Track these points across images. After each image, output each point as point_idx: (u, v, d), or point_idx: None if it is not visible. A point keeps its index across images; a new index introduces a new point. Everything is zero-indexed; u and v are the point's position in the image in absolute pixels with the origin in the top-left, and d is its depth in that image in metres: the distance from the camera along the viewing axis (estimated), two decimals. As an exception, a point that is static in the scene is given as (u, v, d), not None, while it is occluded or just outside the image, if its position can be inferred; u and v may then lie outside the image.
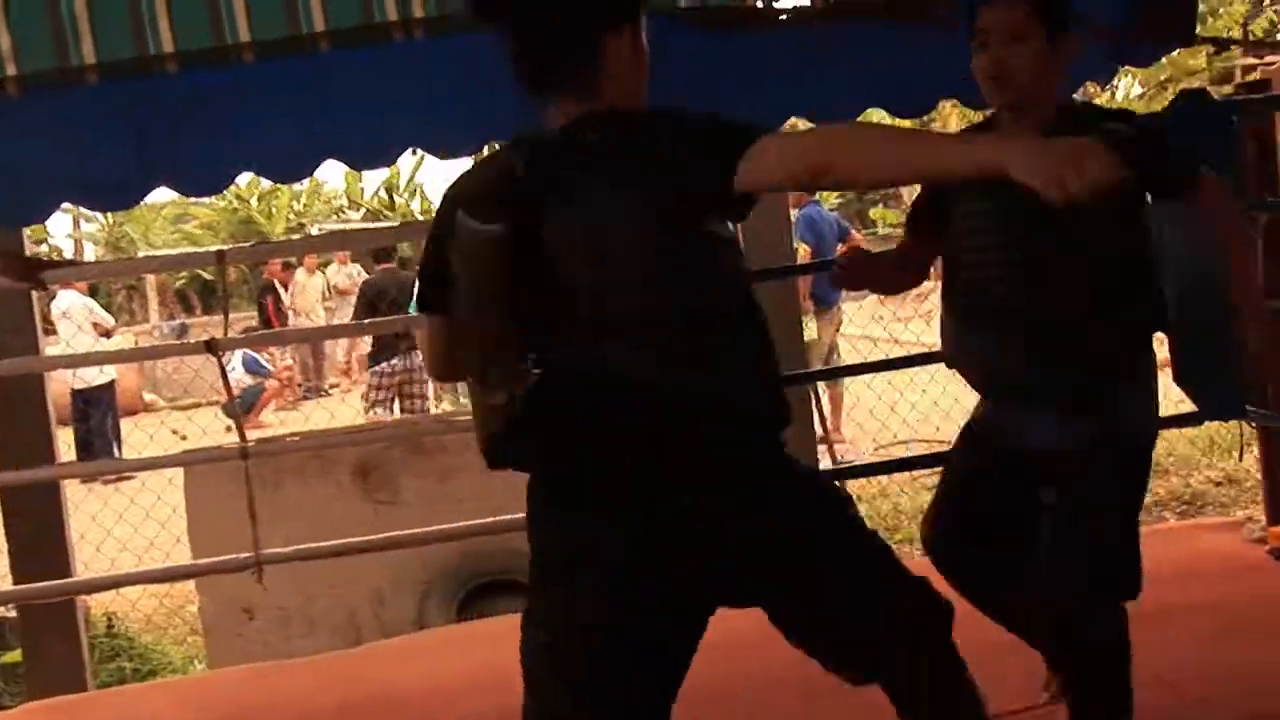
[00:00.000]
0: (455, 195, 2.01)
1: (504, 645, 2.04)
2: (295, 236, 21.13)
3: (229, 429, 10.49)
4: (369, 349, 9.53)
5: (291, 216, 23.65)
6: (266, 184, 21.62)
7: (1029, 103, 2.38)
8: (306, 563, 3.95)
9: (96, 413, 10.54)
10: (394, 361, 8.84)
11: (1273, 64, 5.64)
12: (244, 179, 4.76)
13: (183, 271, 22.08)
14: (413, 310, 4.92)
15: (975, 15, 2.39)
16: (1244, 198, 3.89)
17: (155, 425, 9.12)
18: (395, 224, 21.92)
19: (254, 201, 23.20)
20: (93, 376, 10.14)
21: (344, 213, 25.03)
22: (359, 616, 4.76)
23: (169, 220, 24.41)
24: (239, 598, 4.76)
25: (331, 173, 26.83)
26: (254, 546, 3.74)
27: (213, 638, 4.93)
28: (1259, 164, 4.03)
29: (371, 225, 22.06)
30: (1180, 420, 4.80)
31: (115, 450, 10.49)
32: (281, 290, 15.68)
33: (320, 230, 20.89)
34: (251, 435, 4.72)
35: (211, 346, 3.81)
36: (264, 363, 14.11)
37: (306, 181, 21.81)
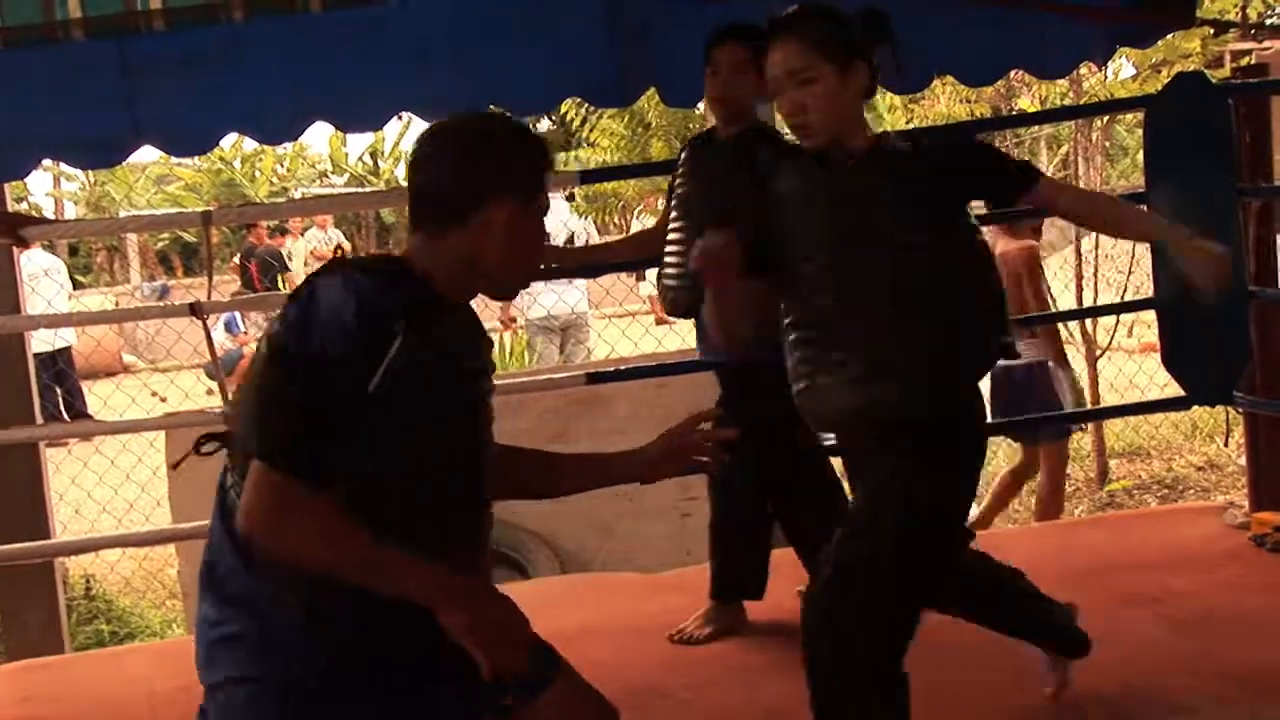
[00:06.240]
0: None
1: None
2: (279, 200, 20.94)
3: (210, 391, 10.44)
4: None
5: (275, 180, 23.48)
6: (249, 146, 21.43)
7: (832, 141, 2.31)
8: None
9: (55, 375, 10.36)
10: None
11: (1269, 48, 5.60)
12: (227, 141, 4.69)
13: (164, 233, 21.93)
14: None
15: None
16: (1237, 182, 3.89)
17: (136, 388, 9.04)
18: (379, 189, 21.81)
19: (237, 164, 23.00)
20: (53, 339, 9.97)
21: (328, 177, 24.86)
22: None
23: (152, 181, 24.19)
24: (219, 562, 4.71)
25: (316, 137, 26.57)
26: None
27: (192, 601, 4.90)
28: (1253, 149, 4.01)
29: (356, 190, 21.95)
30: (1166, 404, 4.83)
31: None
32: (287, 259, 15.50)
33: (304, 195, 20.78)
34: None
35: (196, 309, 3.76)
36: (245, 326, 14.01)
37: (290, 145, 21.71)
